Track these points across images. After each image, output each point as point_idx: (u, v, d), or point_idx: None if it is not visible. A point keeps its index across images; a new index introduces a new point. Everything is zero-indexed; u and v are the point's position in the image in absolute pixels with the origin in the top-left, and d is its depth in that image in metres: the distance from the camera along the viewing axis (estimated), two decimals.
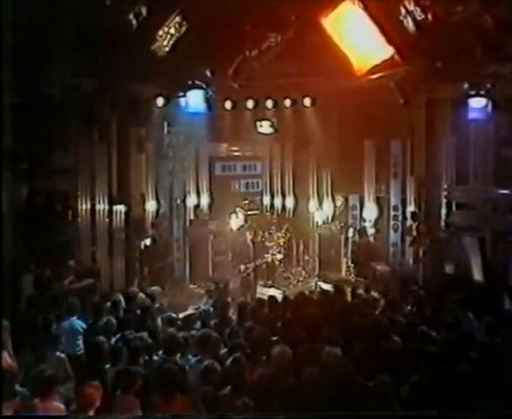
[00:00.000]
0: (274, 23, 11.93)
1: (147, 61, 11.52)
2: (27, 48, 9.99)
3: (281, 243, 14.67)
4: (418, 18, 10.94)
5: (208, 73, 12.24)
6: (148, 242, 13.44)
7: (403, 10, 10.98)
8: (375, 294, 10.84)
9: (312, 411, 5.85)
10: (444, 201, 13.38)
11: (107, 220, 13.09)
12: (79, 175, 12.63)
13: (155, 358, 7.26)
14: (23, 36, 9.65)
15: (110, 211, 13.12)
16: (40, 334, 8.00)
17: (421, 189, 13.94)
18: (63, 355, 7.45)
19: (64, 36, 10.86)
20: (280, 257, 14.54)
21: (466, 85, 11.72)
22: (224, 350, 7.38)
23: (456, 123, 12.94)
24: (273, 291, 12.24)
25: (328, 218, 15.45)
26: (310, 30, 11.72)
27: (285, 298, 10.82)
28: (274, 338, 7.57)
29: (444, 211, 13.38)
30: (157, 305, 9.55)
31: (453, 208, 13.30)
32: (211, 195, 15.21)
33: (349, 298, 10.60)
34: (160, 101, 12.84)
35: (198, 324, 8.79)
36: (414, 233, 13.55)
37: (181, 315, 9.57)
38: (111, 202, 13.11)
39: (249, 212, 14.61)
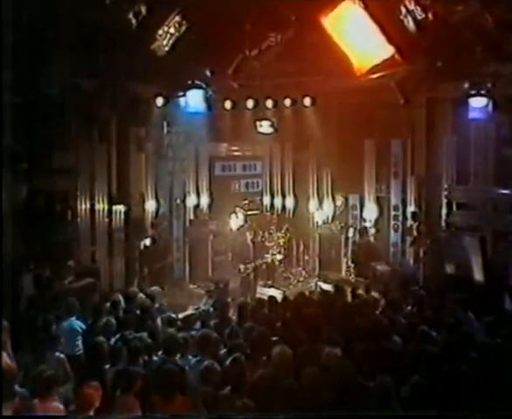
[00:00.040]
0: (274, 22, 11.89)
1: (146, 61, 11.48)
2: (26, 48, 9.96)
3: (281, 244, 14.67)
4: (419, 18, 10.89)
5: (208, 73, 12.21)
6: (147, 242, 13.43)
7: (403, 10, 10.93)
8: (375, 294, 10.84)
9: (312, 412, 5.82)
10: (444, 201, 13.37)
11: (106, 220, 13.08)
12: (78, 174, 12.62)
13: (155, 358, 7.25)
14: (22, 36, 9.63)
15: (110, 211, 13.11)
16: (40, 335, 8.01)
17: (422, 189, 13.94)
18: (62, 356, 7.44)
19: (63, 35, 10.84)
20: (279, 257, 14.53)
21: (466, 85, 11.71)
22: (223, 350, 7.36)
23: (457, 123, 12.93)
24: (273, 292, 12.21)
25: (328, 218, 15.44)
26: (310, 29, 11.68)
27: (285, 298, 10.84)
28: (274, 338, 7.55)
29: (444, 211, 13.37)
30: (157, 306, 9.55)
31: (454, 208, 13.29)
32: (211, 195, 15.20)
33: (349, 298, 10.60)
34: (159, 101, 12.82)
35: (198, 324, 8.78)
36: (414, 233, 13.54)
37: (181, 315, 9.56)
38: (110, 202, 13.10)
39: (249, 212, 14.61)
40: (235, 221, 14.21)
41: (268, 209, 15.86)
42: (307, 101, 13.88)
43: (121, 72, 11.54)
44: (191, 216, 15.04)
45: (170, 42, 11.37)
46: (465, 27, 10.85)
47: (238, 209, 14.39)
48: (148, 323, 8.47)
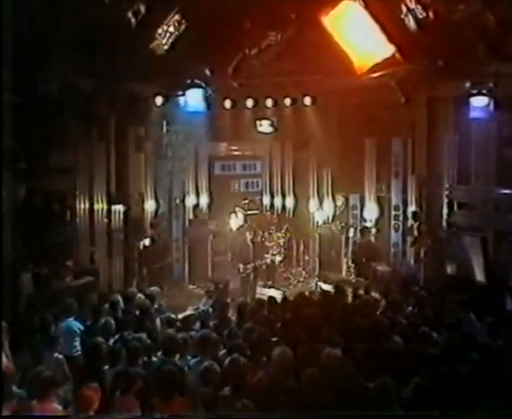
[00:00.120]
0: (274, 21, 11.88)
1: (146, 60, 11.46)
2: (25, 47, 9.91)
3: (281, 244, 14.62)
4: (420, 16, 10.87)
5: (207, 72, 12.19)
6: (146, 242, 13.40)
7: (404, 9, 10.92)
8: (376, 295, 10.80)
9: (312, 412, 5.80)
10: (445, 200, 13.32)
11: (105, 220, 13.07)
12: (77, 174, 12.59)
13: (154, 359, 7.23)
14: (21, 35, 9.58)
15: (109, 211, 13.09)
16: (38, 335, 7.99)
17: (422, 189, 13.89)
18: (61, 356, 7.42)
19: (62, 34, 10.79)
20: (279, 258, 14.49)
21: (467, 84, 11.69)
22: (223, 351, 7.32)
23: (458, 122, 12.89)
24: (272, 292, 12.18)
25: (328, 218, 15.39)
26: (310, 28, 11.67)
27: (285, 298, 10.81)
28: (274, 339, 7.53)
29: (445, 211, 13.32)
30: (156, 306, 9.52)
31: (455, 207, 13.25)
32: (211, 195, 15.18)
33: (350, 299, 10.56)
34: (159, 100, 12.81)
35: (198, 325, 8.74)
36: (415, 233, 13.50)
37: (180, 316, 9.54)
38: (109, 202, 13.08)
39: (249, 212, 14.57)
40: (235, 221, 14.16)
41: (268, 208, 15.83)
42: (307, 100, 13.87)
43: (120, 71, 11.51)
44: (191, 216, 15.02)
45: (170, 41, 11.35)
46: (466, 26, 10.82)
47: (237, 208, 14.34)
48: (148, 324, 8.45)
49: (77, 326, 8.48)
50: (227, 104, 13.66)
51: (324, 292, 11.85)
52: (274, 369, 6.54)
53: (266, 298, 10.47)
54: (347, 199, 15.34)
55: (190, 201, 14.96)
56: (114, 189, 13.24)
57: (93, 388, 6.04)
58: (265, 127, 13.42)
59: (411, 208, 14.00)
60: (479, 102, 11.52)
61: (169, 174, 14.55)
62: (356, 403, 5.93)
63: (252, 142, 15.40)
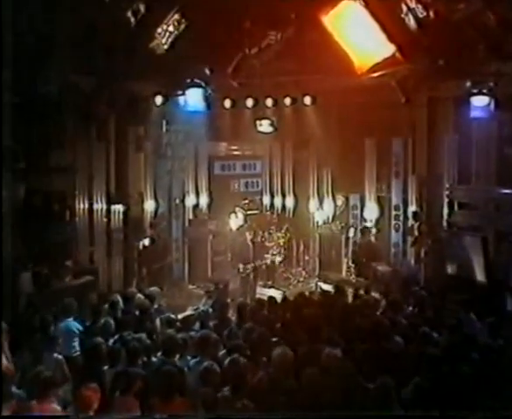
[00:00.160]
0: (274, 20, 11.86)
1: (145, 59, 11.44)
2: (25, 47, 9.89)
3: (281, 244, 14.61)
4: (420, 16, 10.85)
5: (207, 71, 12.16)
6: (146, 242, 13.38)
7: (404, 8, 10.90)
8: (376, 295, 10.78)
9: (312, 413, 5.78)
10: (446, 200, 13.30)
11: (104, 220, 13.04)
12: (76, 174, 12.55)
13: (154, 359, 7.21)
14: (21, 35, 9.57)
15: (108, 211, 13.07)
16: (38, 335, 7.98)
17: (423, 189, 13.87)
18: (60, 357, 7.41)
19: (62, 34, 10.77)
20: (279, 258, 14.47)
21: (468, 84, 11.65)
22: (223, 351, 7.29)
23: (458, 122, 12.87)
24: (272, 292, 12.15)
25: (328, 218, 15.38)
26: (310, 27, 11.65)
27: (285, 298, 10.78)
28: (274, 339, 7.50)
29: (446, 211, 13.30)
30: (156, 306, 9.50)
31: (455, 207, 13.22)
32: (211, 195, 15.17)
33: (350, 299, 10.54)
34: (158, 100, 12.81)
35: (197, 325, 8.72)
36: (416, 233, 13.49)
37: (180, 316, 9.53)
38: (109, 202, 13.06)
39: (249, 212, 14.56)
40: (235, 221, 14.15)
41: (268, 208, 15.83)
42: (307, 100, 13.87)
43: (119, 71, 11.49)
44: (190, 216, 15.01)
45: (169, 40, 11.33)
46: (467, 25, 10.80)
47: (237, 208, 14.34)
48: (147, 324, 8.43)
49: (75, 326, 8.46)
50: (227, 103, 13.66)
51: (324, 292, 11.82)
52: (274, 369, 6.52)
53: (265, 298, 10.45)
54: (347, 199, 15.32)
55: (190, 201, 14.95)
56: (113, 189, 13.22)
57: (92, 389, 6.02)
58: (265, 126, 13.41)
59: (412, 208, 13.97)
60: (479, 102, 11.49)
61: (168, 173, 14.54)
62: (356, 404, 5.91)
63: (251, 142, 15.38)
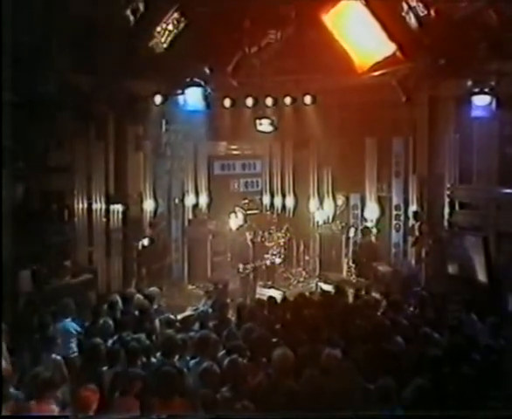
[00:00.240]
0: (274, 19, 11.86)
1: (144, 58, 11.40)
2: (24, 46, 9.86)
3: (281, 244, 14.58)
4: (421, 14, 10.86)
5: (207, 71, 12.15)
6: (145, 242, 13.33)
7: (405, 6, 10.89)
8: (376, 295, 10.76)
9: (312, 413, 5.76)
10: (447, 200, 13.26)
11: (104, 220, 12.98)
12: (75, 173, 12.50)
13: (153, 360, 7.19)
14: (19, 34, 9.54)
15: (107, 211, 13.01)
16: (36, 336, 7.97)
17: (424, 188, 13.81)
18: (59, 357, 7.38)
19: (60, 33, 10.73)
20: (279, 259, 14.43)
21: (469, 83, 11.64)
22: (222, 352, 7.27)
23: (459, 121, 12.82)
24: (272, 292, 12.10)
25: (328, 218, 15.35)
26: (310, 26, 11.66)
27: (285, 298, 10.76)
28: (274, 340, 7.48)
29: (447, 211, 13.26)
30: (155, 307, 9.49)
31: (457, 207, 13.19)
32: (210, 195, 15.12)
33: (350, 299, 10.51)
34: (158, 99, 12.75)
35: (197, 325, 8.71)
36: (416, 233, 13.44)
37: (179, 316, 9.55)
38: (108, 202, 13.01)
39: (248, 212, 14.55)
40: (234, 221, 14.12)
41: (268, 208, 15.81)
42: (307, 99, 13.80)
43: (118, 70, 11.43)
44: (190, 216, 14.96)
45: (169, 39, 11.32)
46: (468, 24, 10.80)
47: (237, 208, 14.31)
48: (147, 324, 8.41)
49: (73, 326, 8.44)
50: (227, 103, 13.59)
51: (324, 293, 11.77)
52: (275, 370, 6.50)
53: (265, 298, 10.42)
54: (347, 199, 15.30)
55: (190, 200, 14.90)
56: (112, 189, 13.18)
57: (91, 390, 6.02)
58: (265, 126, 13.40)
59: (413, 207, 13.92)
60: (481, 101, 11.45)
61: (168, 173, 14.49)
62: (356, 404, 5.89)
63: (251, 141, 15.36)
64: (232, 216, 14.15)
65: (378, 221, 14.69)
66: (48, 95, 11.08)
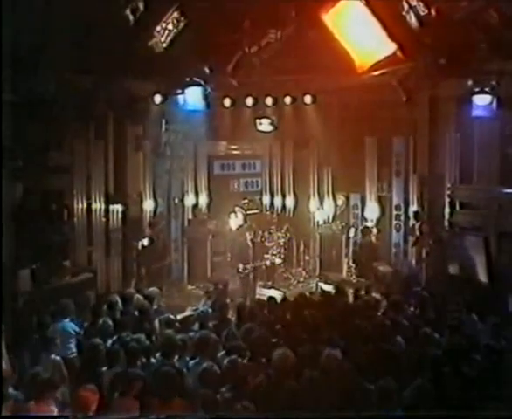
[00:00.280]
0: (274, 18, 11.79)
1: (144, 57, 11.36)
2: (23, 46, 9.84)
3: (281, 244, 14.57)
4: (421, 14, 10.76)
5: (206, 70, 12.10)
6: (145, 242, 13.30)
7: (405, 6, 10.81)
8: (377, 295, 10.75)
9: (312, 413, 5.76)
10: (447, 200, 13.25)
11: (103, 220, 12.97)
12: (74, 173, 12.50)
13: (153, 360, 7.18)
14: (20, 34, 9.52)
15: (107, 211, 13.00)
16: (35, 336, 7.96)
17: (424, 188, 13.81)
18: (58, 358, 7.38)
19: (60, 33, 10.69)
20: (279, 259, 14.40)
21: (470, 82, 11.62)
22: (222, 352, 7.27)
23: (460, 121, 12.81)
24: (272, 292, 12.08)
25: (328, 218, 15.34)
26: (311, 25, 11.59)
27: (285, 299, 10.75)
28: (274, 340, 7.48)
29: (447, 211, 13.24)
30: (155, 307, 9.48)
31: (457, 207, 13.18)
32: (210, 195, 15.11)
33: (351, 299, 10.49)
34: (157, 98, 12.76)
35: (197, 326, 8.70)
36: (417, 233, 13.44)
37: (179, 317, 9.52)
38: (107, 202, 13.00)
39: (248, 212, 14.54)
40: (234, 220, 14.11)
41: (268, 208, 15.78)
42: (307, 99, 13.81)
43: (118, 70, 11.40)
44: (190, 216, 14.95)
45: (168, 38, 11.25)
46: (469, 24, 10.74)
47: (237, 208, 14.32)
48: (146, 324, 8.40)
49: (72, 327, 8.43)
50: (227, 102, 13.62)
51: (325, 293, 11.75)
52: (275, 371, 6.50)
53: (265, 298, 10.40)
54: (348, 198, 15.30)
55: (189, 200, 14.88)
56: (112, 189, 13.17)
57: (90, 390, 6.02)
58: (265, 125, 13.41)
59: (413, 207, 13.92)
60: (481, 100, 11.44)
61: (167, 173, 14.49)
62: (356, 405, 5.87)
63: (251, 141, 15.36)
64: (232, 215, 14.15)
65: (379, 221, 14.69)
66: (48, 95, 11.07)
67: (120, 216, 13.16)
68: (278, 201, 15.88)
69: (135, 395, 6.17)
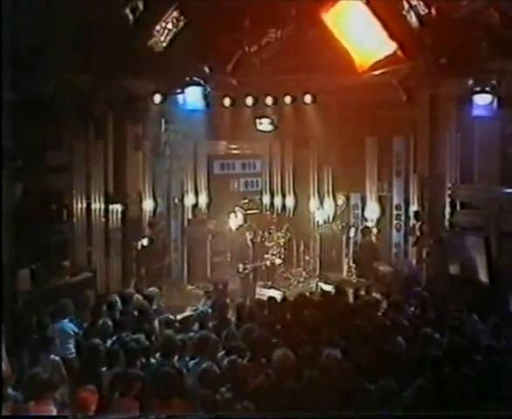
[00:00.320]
0: (274, 18, 11.78)
1: (144, 57, 11.34)
2: (23, 46, 9.82)
3: (281, 244, 14.56)
4: (422, 13, 10.76)
5: (206, 69, 12.09)
6: (145, 242, 13.29)
7: (406, 5, 10.80)
8: (377, 295, 10.74)
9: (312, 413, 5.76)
10: (448, 200, 13.23)
11: (103, 219, 12.95)
12: (74, 173, 12.48)
13: (153, 360, 7.18)
14: (20, 33, 9.50)
15: (106, 210, 12.98)
16: (34, 336, 7.95)
17: (424, 188, 13.80)
18: (57, 358, 7.38)
19: (59, 32, 10.68)
20: (278, 261, 14.39)
21: (470, 82, 11.61)
22: (222, 352, 7.27)
23: (460, 120, 12.80)
24: (272, 292, 12.08)
25: (329, 218, 15.33)
26: (311, 25, 11.58)
27: (285, 299, 10.75)
28: (274, 340, 7.48)
29: (448, 211, 13.23)
30: (154, 307, 9.48)
31: (458, 207, 13.16)
32: (210, 195, 15.09)
33: (351, 299, 10.48)
34: (157, 98, 12.73)
35: (196, 326, 8.70)
36: (417, 233, 13.43)
37: (179, 317, 9.52)
38: (107, 201, 12.98)
39: (248, 211, 14.55)
40: (234, 220, 14.11)
41: (268, 208, 15.78)
42: (307, 99, 13.80)
43: (117, 69, 11.38)
44: (190, 216, 14.93)
45: (168, 38, 11.24)
46: (469, 23, 10.72)
47: (237, 208, 14.32)
48: (146, 325, 8.41)
49: (71, 327, 8.42)
50: (226, 102, 13.61)
51: (325, 293, 11.74)
52: (275, 371, 6.50)
53: (265, 298, 10.39)
54: (348, 198, 15.29)
55: (189, 200, 14.86)
56: (111, 188, 13.15)
57: (90, 390, 6.01)
58: (265, 125, 13.41)
59: (413, 207, 13.90)
60: (482, 100, 11.43)
61: (167, 173, 14.48)
62: (356, 405, 5.86)
63: (251, 141, 15.35)
64: (232, 215, 14.15)
65: (379, 221, 14.68)
66: (47, 95, 11.06)
67: (119, 215, 13.14)
68: (278, 201, 15.87)
69: (135, 396, 6.17)
